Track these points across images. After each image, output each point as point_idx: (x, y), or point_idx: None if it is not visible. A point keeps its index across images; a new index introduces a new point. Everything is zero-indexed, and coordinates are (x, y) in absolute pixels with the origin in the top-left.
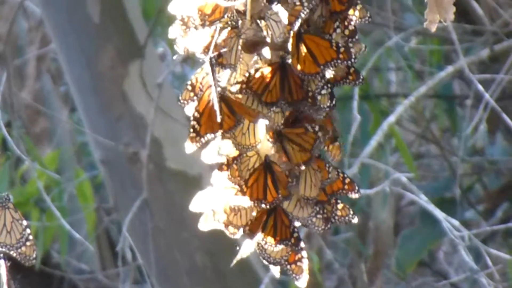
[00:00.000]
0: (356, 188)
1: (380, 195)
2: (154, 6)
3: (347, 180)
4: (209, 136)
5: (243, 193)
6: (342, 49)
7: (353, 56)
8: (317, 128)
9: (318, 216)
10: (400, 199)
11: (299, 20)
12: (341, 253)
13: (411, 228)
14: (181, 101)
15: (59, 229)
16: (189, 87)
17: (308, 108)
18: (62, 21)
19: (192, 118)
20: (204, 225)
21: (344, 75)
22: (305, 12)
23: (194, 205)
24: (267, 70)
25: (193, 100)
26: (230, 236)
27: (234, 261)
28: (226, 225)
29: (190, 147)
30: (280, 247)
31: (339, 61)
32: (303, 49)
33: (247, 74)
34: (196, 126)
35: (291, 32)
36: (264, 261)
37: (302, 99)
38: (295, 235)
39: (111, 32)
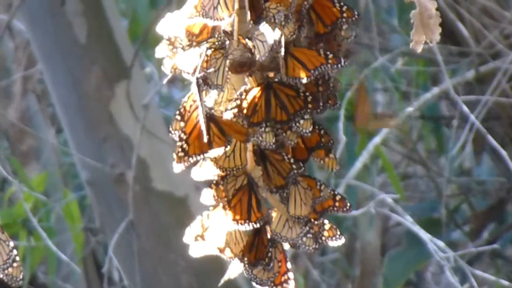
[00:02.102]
0: (348, 204)
1: (366, 216)
2: (141, 27)
3: (338, 197)
4: (198, 156)
5: (226, 213)
6: (330, 56)
7: (342, 61)
8: (292, 160)
9: (308, 235)
10: (387, 219)
11: (283, 37)
12: (328, 273)
13: (398, 249)
14: (172, 131)
15: (46, 250)
16: (178, 117)
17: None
18: (48, 41)
19: (178, 139)
20: (196, 252)
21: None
22: (290, 30)
23: (188, 237)
24: (255, 91)
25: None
26: (227, 259)
27: (222, 281)
28: (221, 250)
29: (178, 167)
30: (257, 267)
31: (328, 66)
32: (292, 61)
33: (237, 95)
34: (185, 145)
35: (280, 50)
36: (252, 282)
37: (286, 121)
38: (269, 254)
39: (97, 53)
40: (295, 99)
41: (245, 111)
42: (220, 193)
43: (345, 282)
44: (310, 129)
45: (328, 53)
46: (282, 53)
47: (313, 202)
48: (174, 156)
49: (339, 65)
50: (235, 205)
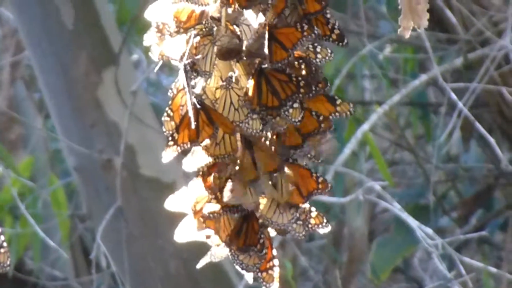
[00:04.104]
0: (329, 185)
1: (354, 202)
2: (129, 13)
3: (320, 179)
4: (187, 145)
5: (218, 201)
6: (305, 27)
7: (316, 30)
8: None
9: (298, 222)
10: (375, 206)
11: (265, 21)
12: (315, 260)
13: (386, 235)
14: (166, 132)
15: (33, 236)
16: (167, 118)
17: (280, 118)
18: (35, 28)
19: (168, 128)
20: (181, 237)
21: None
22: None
23: (169, 204)
24: (246, 78)
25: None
26: (211, 245)
27: (202, 263)
28: (208, 237)
29: (167, 155)
30: (248, 253)
31: (304, 39)
32: (275, 45)
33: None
34: (175, 134)
35: (264, 35)
36: (237, 267)
37: (278, 106)
38: (261, 241)
39: (85, 39)
40: (287, 84)
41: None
42: (210, 182)
43: (333, 268)
44: (299, 118)
45: (303, 25)
46: (266, 37)
47: (292, 185)
48: (165, 145)
49: (313, 34)
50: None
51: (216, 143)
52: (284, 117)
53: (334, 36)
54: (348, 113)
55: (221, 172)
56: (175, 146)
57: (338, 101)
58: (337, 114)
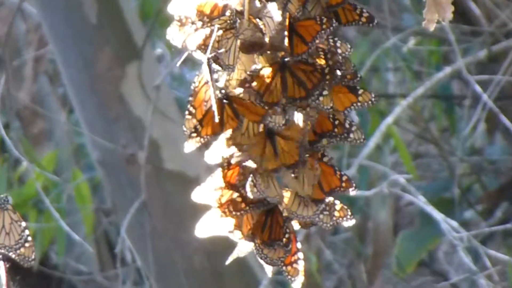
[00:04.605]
0: (354, 185)
1: (379, 195)
2: (152, 7)
3: (344, 178)
4: (210, 137)
5: (242, 197)
6: (324, 20)
7: (334, 22)
8: (299, 139)
9: (325, 212)
10: (399, 199)
11: (286, 13)
12: (340, 253)
13: (411, 228)
14: (186, 130)
15: (58, 230)
16: (189, 116)
17: (310, 108)
18: (59, 22)
19: (189, 126)
20: (202, 232)
21: (344, 75)
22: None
23: (196, 196)
24: (267, 71)
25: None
26: (234, 239)
27: (230, 260)
28: (231, 231)
29: (189, 146)
30: (273, 247)
31: (322, 32)
32: (296, 38)
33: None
34: (198, 127)
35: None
36: (261, 262)
37: (305, 96)
38: (287, 235)
39: (108, 33)
40: (312, 73)
41: (257, 89)
42: (228, 178)
43: (357, 261)
44: (331, 104)
45: (323, 18)
46: (286, 32)
47: (314, 181)
48: (187, 135)
49: (332, 27)
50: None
51: (242, 133)
52: (314, 106)
53: (363, 19)
54: (370, 102)
55: (245, 167)
56: (198, 138)
57: (360, 91)
58: (359, 104)
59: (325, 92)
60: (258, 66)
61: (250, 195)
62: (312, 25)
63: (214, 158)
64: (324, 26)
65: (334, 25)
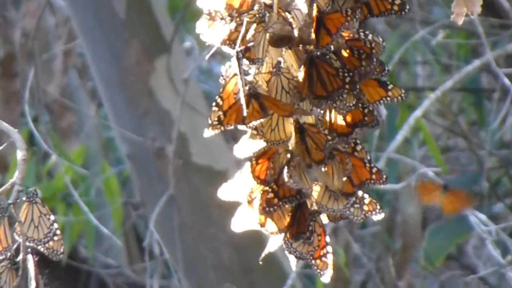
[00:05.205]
0: (384, 177)
1: (407, 189)
2: (181, 1)
3: (374, 170)
4: (231, 125)
5: (274, 192)
6: (349, 12)
7: (357, 15)
8: (326, 131)
9: (356, 205)
10: None
11: (314, 6)
12: (368, 247)
13: (439, 222)
14: (211, 122)
15: (86, 224)
16: (216, 108)
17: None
18: (88, 16)
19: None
20: (237, 226)
21: (371, 69)
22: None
23: (222, 193)
24: (297, 65)
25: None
26: (268, 234)
27: (262, 256)
28: (263, 225)
29: (209, 132)
30: (300, 240)
31: (346, 24)
32: (323, 31)
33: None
34: (221, 116)
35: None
36: (290, 255)
37: (325, 97)
38: (310, 228)
39: (137, 27)
40: (334, 77)
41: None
42: (257, 173)
43: (386, 255)
44: (354, 102)
45: (348, 9)
46: (314, 25)
47: (343, 175)
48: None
49: (356, 19)
50: (282, 183)
51: (272, 129)
52: (337, 105)
53: (396, 8)
54: (400, 98)
55: (275, 162)
56: (219, 125)
57: (390, 86)
58: (388, 98)
59: (344, 95)
60: (285, 59)
61: (288, 184)
62: (339, 17)
63: (243, 152)
64: (348, 18)
65: (357, 16)
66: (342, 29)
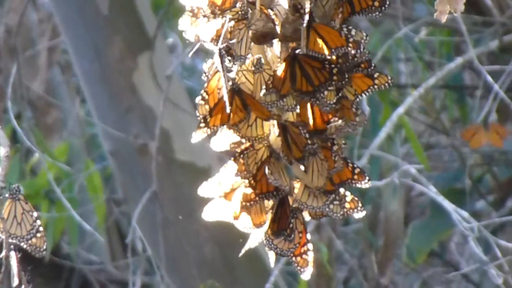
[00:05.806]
0: (366, 178)
1: (390, 186)
2: None
3: (356, 170)
4: (217, 127)
5: (252, 188)
6: (351, 39)
7: (362, 47)
8: (307, 135)
9: (335, 202)
10: (411, 189)
11: (307, 7)
12: (351, 244)
13: (422, 219)
14: (199, 116)
15: (69, 220)
16: (202, 102)
17: (315, 102)
18: (71, 12)
19: (202, 112)
20: (209, 215)
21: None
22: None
23: (203, 191)
24: (282, 64)
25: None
26: (242, 230)
27: (242, 251)
28: (236, 218)
29: (197, 136)
30: (282, 237)
31: (349, 48)
32: (313, 35)
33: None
34: (207, 117)
35: (303, 21)
36: (271, 252)
37: (312, 91)
38: (291, 225)
39: (120, 23)
40: (320, 71)
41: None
42: (241, 167)
43: (368, 252)
44: (334, 100)
45: (349, 36)
46: (305, 24)
47: (328, 173)
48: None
49: (358, 51)
50: (260, 179)
51: (249, 125)
52: (319, 100)
53: (376, 4)
54: (387, 84)
55: (249, 158)
56: (206, 128)
57: (376, 75)
58: (375, 86)
59: (330, 88)
60: (269, 56)
61: (270, 180)
62: (337, 36)
63: (220, 145)
64: (350, 45)
65: (361, 49)
66: (339, 51)
